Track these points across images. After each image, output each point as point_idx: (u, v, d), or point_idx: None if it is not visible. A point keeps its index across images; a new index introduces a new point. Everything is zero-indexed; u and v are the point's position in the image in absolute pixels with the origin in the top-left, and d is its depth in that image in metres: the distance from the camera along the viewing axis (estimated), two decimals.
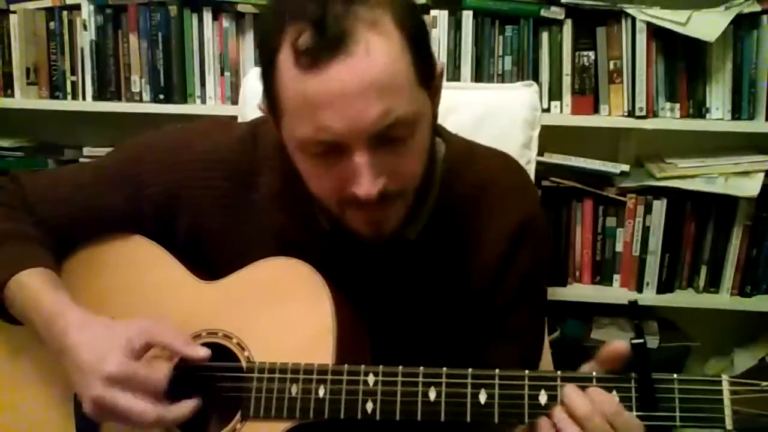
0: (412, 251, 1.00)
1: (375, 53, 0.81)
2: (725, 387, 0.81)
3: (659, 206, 1.93)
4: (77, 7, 2.02)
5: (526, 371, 0.86)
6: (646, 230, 1.95)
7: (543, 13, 1.88)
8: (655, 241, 1.94)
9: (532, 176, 1.50)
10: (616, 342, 0.84)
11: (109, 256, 1.07)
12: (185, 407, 0.90)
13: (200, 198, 1.03)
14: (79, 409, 0.98)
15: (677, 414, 0.82)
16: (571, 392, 0.83)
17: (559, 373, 0.85)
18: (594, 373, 0.84)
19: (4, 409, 1.05)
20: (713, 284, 1.99)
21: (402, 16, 0.84)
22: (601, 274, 2.02)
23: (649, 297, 1.98)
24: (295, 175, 0.96)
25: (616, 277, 2.01)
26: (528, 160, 1.49)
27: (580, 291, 2.01)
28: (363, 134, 0.82)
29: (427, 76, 0.88)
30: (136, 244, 1.06)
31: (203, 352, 0.93)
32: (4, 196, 1.07)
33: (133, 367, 0.89)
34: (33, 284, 0.97)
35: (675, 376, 0.83)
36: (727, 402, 0.81)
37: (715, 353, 2.17)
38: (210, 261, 1.04)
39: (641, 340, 0.82)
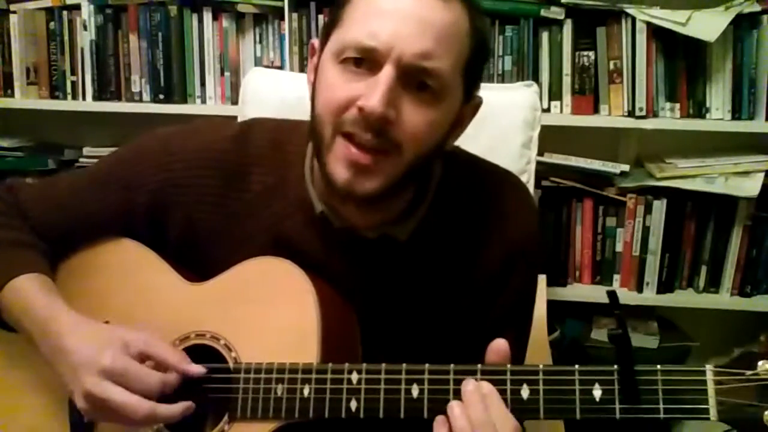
0: (403, 252, 1.01)
1: (452, 11, 0.88)
2: (709, 377, 0.80)
3: (659, 206, 1.93)
4: (77, 7, 2.03)
5: (508, 366, 0.86)
6: (646, 230, 1.95)
7: (543, 13, 1.88)
8: (655, 241, 1.94)
9: (532, 176, 1.51)
10: (497, 340, 0.86)
11: (99, 261, 1.06)
12: (177, 408, 0.90)
13: (192, 196, 1.03)
14: (74, 416, 0.99)
15: (661, 406, 0.80)
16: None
17: (541, 366, 0.85)
18: (576, 366, 0.83)
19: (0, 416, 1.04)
20: (713, 284, 1.99)
21: (476, 31, 0.91)
22: (601, 274, 2.02)
23: (649, 297, 1.98)
24: (290, 167, 1.00)
25: (616, 277, 2.01)
26: (528, 160, 1.49)
27: (580, 291, 2.01)
28: (400, 57, 0.85)
29: (468, 89, 0.94)
30: (125, 248, 1.06)
31: (197, 369, 0.93)
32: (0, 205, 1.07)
33: (127, 362, 0.90)
34: (27, 290, 0.97)
35: (658, 367, 0.81)
36: (711, 392, 0.79)
37: (715, 353, 2.16)
38: (201, 260, 1.04)
39: (619, 331, 0.80)
